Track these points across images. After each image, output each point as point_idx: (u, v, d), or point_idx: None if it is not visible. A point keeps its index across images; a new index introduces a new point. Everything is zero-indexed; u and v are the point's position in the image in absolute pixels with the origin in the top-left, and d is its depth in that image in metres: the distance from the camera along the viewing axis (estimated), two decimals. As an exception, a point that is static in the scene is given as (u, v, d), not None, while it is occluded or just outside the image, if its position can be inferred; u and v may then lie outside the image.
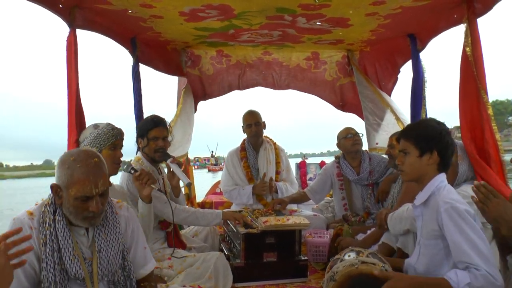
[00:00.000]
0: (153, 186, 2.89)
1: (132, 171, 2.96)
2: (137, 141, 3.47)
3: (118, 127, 2.89)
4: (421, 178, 2.42)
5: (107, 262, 2.03)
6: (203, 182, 7.11)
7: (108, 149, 2.77)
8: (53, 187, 1.97)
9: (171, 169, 3.46)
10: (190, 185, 3.38)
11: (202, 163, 57.80)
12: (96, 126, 2.84)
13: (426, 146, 2.37)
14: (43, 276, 1.88)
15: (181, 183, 3.60)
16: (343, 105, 5.97)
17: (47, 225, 1.94)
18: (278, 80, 5.93)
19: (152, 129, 3.40)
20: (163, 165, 3.58)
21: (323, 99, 6.06)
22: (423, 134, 2.40)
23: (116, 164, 2.84)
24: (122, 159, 2.92)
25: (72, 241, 1.97)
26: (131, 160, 3.44)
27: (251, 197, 4.76)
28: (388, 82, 5.22)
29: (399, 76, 5.15)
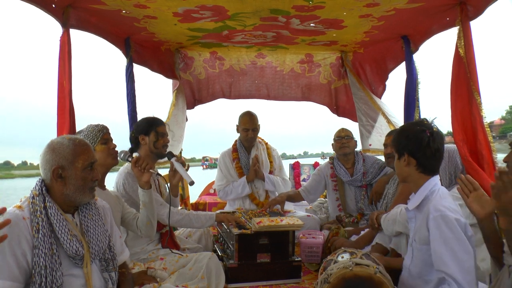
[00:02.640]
0: (151, 171, 2.93)
1: (130, 159, 3.02)
2: (138, 138, 3.45)
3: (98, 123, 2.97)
4: (408, 180, 2.46)
5: (96, 240, 2.15)
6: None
7: (100, 144, 2.85)
8: (55, 171, 2.06)
9: (174, 168, 3.52)
10: (193, 184, 3.46)
11: (212, 163, 56.35)
12: (78, 132, 2.92)
13: (399, 149, 2.45)
14: (35, 263, 1.92)
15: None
16: (337, 109, 5.95)
17: (38, 213, 1.99)
18: (271, 90, 5.87)
19: (160, 126, 3.48)
20: (157, 167, 3.58)
21: (318, 103, 6.02)
22: (396, 137, 2.51)
23: (112, 155, 2.93)
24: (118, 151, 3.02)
25: (67, 223, 2.06)
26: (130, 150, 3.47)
27: (247, 185, 4.74)
28: (378, 86, 5.23)
29: (393, 78, 5.17)
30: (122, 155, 3.05)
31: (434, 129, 2.39)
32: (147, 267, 2.89)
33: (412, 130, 2.41)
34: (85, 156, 2.12)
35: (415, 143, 2.36)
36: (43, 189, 2.07)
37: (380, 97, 5.23)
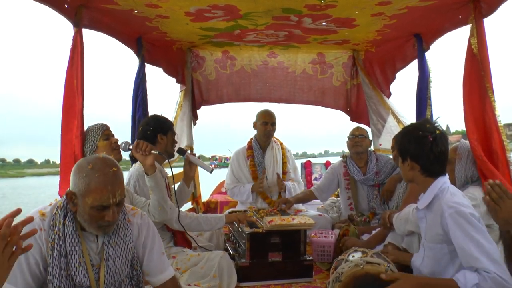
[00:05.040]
0: (153, 152, 2.92)
1: (131, 147, 3.01)
2: (156, 136, 3.42)
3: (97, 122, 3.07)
4: (414, 182, 2.46)
5: (114, 270, 2.03)
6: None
7: (102, 140, 2.94)
8: (68, 195, 1.94)
9: (189, 161, 3.68)
10: (212, 172, 3.66)
11: (221, 162, 54.82)
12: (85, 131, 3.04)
13: (401, 153, 2.44)
14: (49, 281, 1.88)
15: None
16: (350, 111, 5.92)
17: (56, 229, 1.92)
18: (283, 92, 5.83)
19: (172, 127, 3.59)
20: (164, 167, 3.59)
21: (332, 107, 5.98)
22: (398, 140, 2.49)
23: (116, 150, 3.01)
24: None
25: (79, 248, 1.96)
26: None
27: (251, 195, 4.78)
28: (386, 88, 5.21)
29: (405, 76, 5.14)
30: (123, 145, 3.06)
31: (437, 132, 2.34)
32: None
33: (413, 135, 2.38)
34: (96, 196, 1.88)
35: (417, 149, 2.34)
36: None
37: (388, 97, 5.20)
